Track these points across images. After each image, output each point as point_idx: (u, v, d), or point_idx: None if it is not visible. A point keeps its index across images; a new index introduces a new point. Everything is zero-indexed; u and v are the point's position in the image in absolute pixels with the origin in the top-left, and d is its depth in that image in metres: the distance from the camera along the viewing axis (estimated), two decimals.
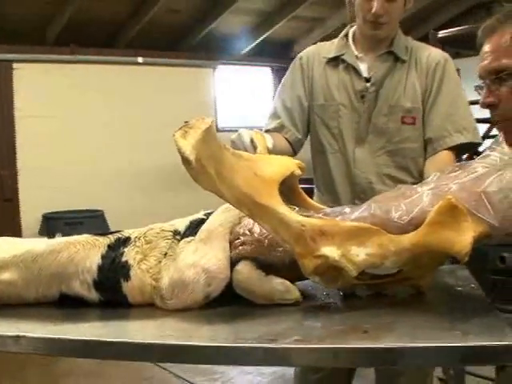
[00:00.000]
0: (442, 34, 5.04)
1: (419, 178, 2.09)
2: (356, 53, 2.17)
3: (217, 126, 8.33)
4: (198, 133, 1.25)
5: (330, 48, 2.23)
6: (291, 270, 1.48)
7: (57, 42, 6.61)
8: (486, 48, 1.39)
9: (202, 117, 1.30)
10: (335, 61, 2.19)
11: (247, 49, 8.44)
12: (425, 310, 1.39)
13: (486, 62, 1.39)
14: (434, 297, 1.47)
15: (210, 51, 8.05)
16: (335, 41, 2.25)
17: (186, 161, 1.24)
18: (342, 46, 2.20)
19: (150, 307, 1.49)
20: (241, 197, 1.35)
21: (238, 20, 7.83)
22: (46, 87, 6.62)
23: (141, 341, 1.26)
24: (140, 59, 7.20)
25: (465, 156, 2.32)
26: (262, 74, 8.64)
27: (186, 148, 1.23)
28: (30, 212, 6.46)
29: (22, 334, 1.30)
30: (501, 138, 1.46)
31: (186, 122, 1.28)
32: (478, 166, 1.41)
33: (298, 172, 1.52)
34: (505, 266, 3.15)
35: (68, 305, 1.54)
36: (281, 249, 1.45)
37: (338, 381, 2.28)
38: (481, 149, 2.30)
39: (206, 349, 1.19)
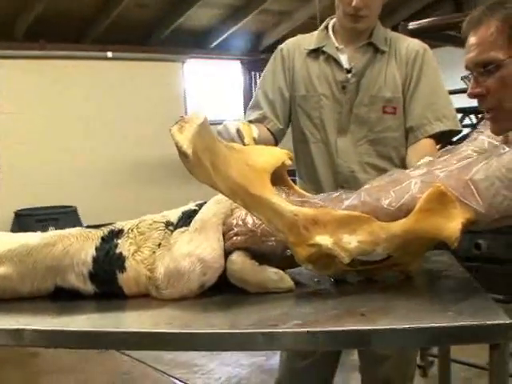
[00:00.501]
0: (412, 25, 5.12)
1: (401, 166, 2.13)
2: (336, 44, 2.20)
3: None
4: (193, 127, 1.28)
5: (310, 40, 2.26)
6: (283, 260, 1.52)
7: (26, 37, 6.54)
8: (472, 40, 1.42)
9: (196, 111, 1.32)
10: (316, 52, 2.22)
11: (216, 42, 8.45)
12: (415, 293, 1.44)
13: (472, 54, 1.42)
14: (422, 281, 1.52)
15: (179, 45, 8.04)
16: (315, 33, 2.28)
17: (183, 154, 1.26)
18: (323, 38, 2.23)
19: (145, 298, 1.51)
20: (235, 188, 1.38)
21: (207, 14, 7.82)
22: (15, 83, 6.55)
23: (141, 330, 1.29)
24: (109, 54, 7.15)
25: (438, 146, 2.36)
26: (232, 67, 8.65)
27: (183, 142, 1.26)
28: (2, 209, 6.39)
29: (22, 327, 1.31)
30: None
31: (182, 116, 1.30)
32: (468, 149, 1.46)
33: (289, 162, 1.56)
34: (480, 252, 3.22)
35: (62, 298, 1.55)
36: (273, 239, 1.49)
37: (324, 368, 2.32)
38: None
39: (210, 335, 1.22)
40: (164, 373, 4.06)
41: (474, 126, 3.51)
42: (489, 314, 1.18)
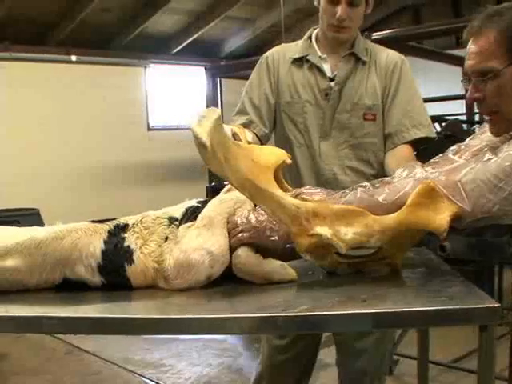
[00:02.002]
0: (375, 35, 5.31)
1: (379, 169, 2.28)
2: (319, 54, 2.32)
3: (148, 124, 8.38)
4: (210, 121, 1.39)
5: (294, 49, 2.38)
6: (283, 254, 1.64)
7: None
8: (472, 49, 1.54)
9: (212, 108, 1.43)
10: (300, 61, 2.34)
11: (178, 48, 8.53)
12: (406, 283, 1.57)
13: (471, 62, 1.54)
14: (409, 273, 1.64)
15: (142, 50, 8.10)
16: (299, 42, 2.39)
17: (202, 146, 1.36)
18: (306, 48, 2.35)
19: (152, 289, 1.59)
20: (243, 181, 1.49)
21: (170, 20, 7.91)
22: None
23: (156, 316, 1.38)
24: (73, 57, 7.17)
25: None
26: (195, 73, 8.73)
27: (202, 134, 1.36)
28: None
29: (42, 314, 1.38)
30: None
31: (199, 111, 1.40)
32: (481, 142, 1.60)
33: (289, 161, 1.67)
34: (445, 254, 3.40)
35: (67, 289, 1.62)
36: (275, 234, 1.60)
37: (304, 362, 2.43)
38: None
39: (224, 320, 1.32)
40: (134, 373, 4.11)
41: (438, 133, 3.70)
42: (478, 298, 1.32)
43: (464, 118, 6.34)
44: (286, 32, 6.92)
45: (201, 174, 6.96)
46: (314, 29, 2.40)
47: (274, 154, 1.64)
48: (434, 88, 6.54)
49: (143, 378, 4.03)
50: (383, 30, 5.45)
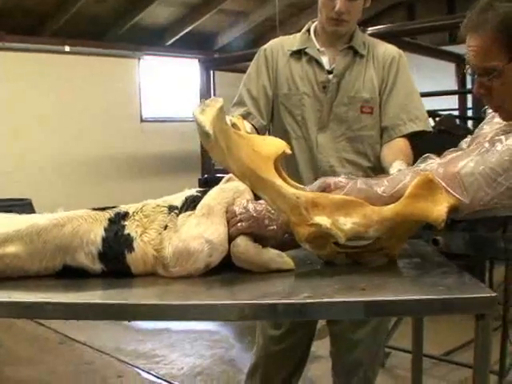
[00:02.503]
0: (370, 30, 5.32)
1: (375, 162, 2.30)
2: (318, 47, 2.34)
3: (141, 116, 8.38)
4: (213, 110, 1.40)
5: (293, 42, 2.39)
6: (282, 243, 1.65)
7: None
8: (471, 46, 1.53)
9: (215, 97, 1.44)
10: (298, 53, 2.35)
11: (172, 40, 8.52)
12: (403, 273, 1.59)
13: (472, 59, 1.53)
14: (406, 263, 1.67)
15: (136, 42, 8.09)
16: (297, 35, 2.41)
17: (205, 134, 1.37)
18: (305, 40, 2.37)
19: (151, 276, 1.61)
20: (245, 170, 1.51)
21: (165, 11, 7.90)
22: None
23: (159, 302, 1.39)
24: (67, 48, 7.16)
25: None
26: (188, 65, 8.73)
27: (205, 123, 1.37)
28: None
29: (44, 300, 1.40)
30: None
31: (202, 100, 1.42)
32: (491, 130, 1.62)
33: (289, 151, 1.68)
34: (438, 247, 3.44)
35: (67, 276, 1.63)
36: (274, 224, 1.62)
37: (298, 352, 2.45)
38: None
39: (225, 306, 1.34)
40: (127, 363, 4.12)
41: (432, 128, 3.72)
42: (475, 288, 1.34)
43: (457, 113, 6.39)
44: (280, 26, 6.94)
45: (193, 166, 6.98)
46: (313, 22, 2.41)
47: (274, 145, 1.66)
48: (427, 83, 6.57)
49: (136, 368, 4.04)
50: (377, 25, 5.49)
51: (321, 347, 3.12)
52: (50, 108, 7.16)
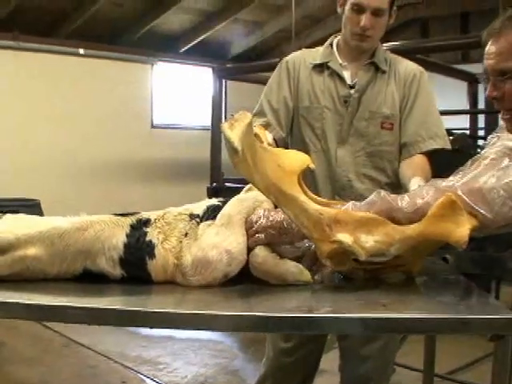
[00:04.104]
0: (384, 47, 5.34)
1: (394, 178, 2.31)
2: (340, 61, 2.35)
3: (152, 122, 8.40)
4: (241, 125, 1.41)
5: (315, 55, 2.40)
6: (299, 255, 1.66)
7: (0, 27, 6.53)
8: (492, 49, 1.58)
9: (243, 111, 1.45)
10: (321, 67, 2.37)
11: (186, 47, 8.55)
12: (422, 290, 1.60)
13: (491, 61, 1.58)
14: (424, 281, 1.67)
15: (150, 47, 8.12)
16: (320, 48, 2.42)
17: (233, 150, 1.38)
18: (328, 54, 2.38)
19: (170, 284, 1.61)
20: (269, 185, 1.52)
21: (180, 18, 7.94)
22: None
23: (182, 311, 1.39)
24: (81, 51, 7.19)
25: None
26: (202, 73, 8.76)
27: (234, 139, 1.38)
28: None
29: (66, 304, 1.40)
30: (503, 124, 1.68)
31: (232, 115, 1.42)
32: (491, 154, 1.63)
33: (313, 166, 1.69)
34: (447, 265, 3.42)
35: (86, 281, 1.64)
36: (291, 234, 1.62)
37: (308, 364, 2.45)
38: None
39: (247, 318, 1.34)
40: (131, 369, 4.12)
41: None
42: (495, 308, 1.35)
43: (467, 132, 6.39)
44: (294, 37, 6.95)
45: (202, 175, 6.98)
46: (335, 36, 2.43)
47: (298, 159, 1.67)
48: (439, 102, 6.57)
49: (139, 375, 4.04)
50: (390, 42, 5.50)
51: (324, 361, 3.11)
52: (61, 110, 7.18)
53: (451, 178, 1.58)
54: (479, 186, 1.47)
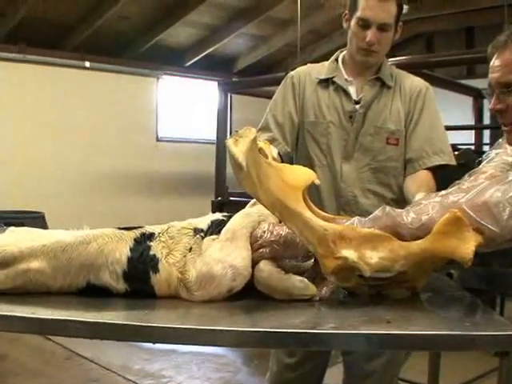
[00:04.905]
0: (389, 61, 5.35)
1: (399, 193, 2.30)
2: (345, 76, 2.36)
3: (157, 135, 8.42)
4: (246, 141, 1.41)
5: (320, 70, 2.41)
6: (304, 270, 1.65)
7: (6, 39, 6.56)
8: (497, 62, 1.60)
9: (248, 127, 1.45)
10: (326, 82, 2.37)
11: (192, 61, 8.58)
12: (427, 307, 1.59)
13: (496, 74, 1.59)
14: (428, 297, 1.66)
15: (156, 61, 8.16)
16: (325, 63, 2.42)
17: (238, 166, 1.38)
18: (333, 69, 2.38)
19: (174, 298, 1.60)
20: (274, 201, 1.52)
21: (186, 32, 7.97)
22: None
23: (185, 326, 1.38)
24: (87, 64, 7.22)
25: None
26: (207, 87, 8.79)
27: (238, 155, 1.38)
28: None
29: (69, 318, 1.40)
30: (502, 141, 1.68)
31: (236, 131, 1.43)
32: (489, 169, 1.63)
33: (317, 181, 1.69)
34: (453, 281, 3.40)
35: (88, 295, 1.63)
36: (296, 248, 1.62)
37: (312, 379, 2.44)
38: None
39: (251, 334, 1.33)
40: (134, 382, 4.10)
41: None
42: (500, 325, 1.34)
43: (472, 147, 6.38)
44: (300, 52, 6.97)
45: (207, 188, 6.98)
46: (341, 51, 2.43)
47: (303, 174, 1.67)
48: (444, 117, 6.57)
49: None
50: (395, 57, 5.51)
51: (328, 376, 3.09)
52: (66, 122, 7.21)
53: (449, 189, 1.58)
54: (485, 201, 1.47)
